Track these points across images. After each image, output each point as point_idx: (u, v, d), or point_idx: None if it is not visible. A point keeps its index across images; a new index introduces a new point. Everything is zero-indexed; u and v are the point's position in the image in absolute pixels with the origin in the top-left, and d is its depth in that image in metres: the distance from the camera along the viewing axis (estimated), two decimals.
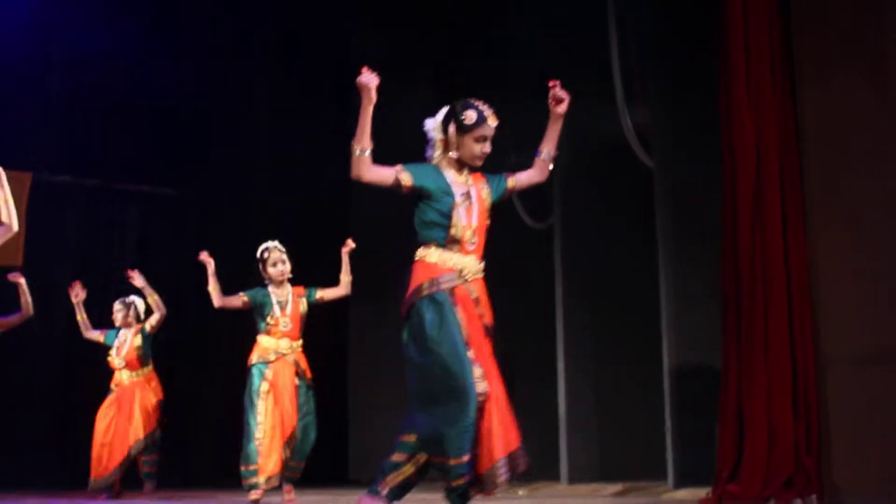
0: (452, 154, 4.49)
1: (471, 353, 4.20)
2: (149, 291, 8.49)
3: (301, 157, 11.73)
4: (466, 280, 4.35)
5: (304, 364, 7.30)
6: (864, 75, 6.11)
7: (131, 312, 8.66)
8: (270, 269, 7.30)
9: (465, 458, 4.07)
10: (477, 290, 4.38)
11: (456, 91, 11.15)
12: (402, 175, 4.40)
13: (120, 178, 10.94)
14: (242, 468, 7.04)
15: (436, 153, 4.57)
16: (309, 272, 11.02)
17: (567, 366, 8.86)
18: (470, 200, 4.42)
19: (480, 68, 10.82)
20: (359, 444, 11.65)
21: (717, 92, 6.61)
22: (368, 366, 11.47)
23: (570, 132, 9.41)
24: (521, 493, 8.52)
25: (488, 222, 4.52)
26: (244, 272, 11.37)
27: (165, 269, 11.06)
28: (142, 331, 8.59)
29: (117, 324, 8.64)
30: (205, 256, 7.43)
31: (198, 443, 11.04)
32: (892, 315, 5.88)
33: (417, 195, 4.41)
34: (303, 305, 7.34)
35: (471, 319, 4.30)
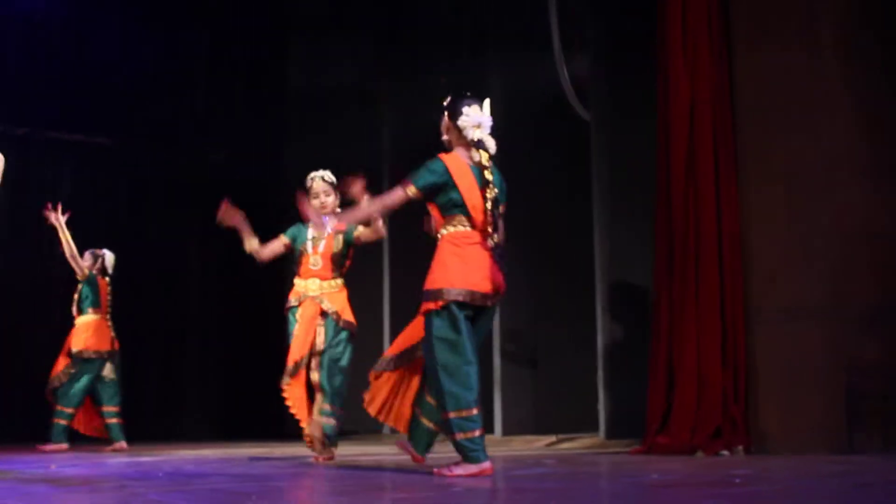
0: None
1: None
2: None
3: (238, 111, 11.62)
4: None
5: (337, 304, 6.32)
6: (797, 38, 6.21)
7: (98, 264, 8.62)
8: (312, 201, 6.31)
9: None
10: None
11: (394, 46, 11.14)
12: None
13: (51, 126, 10.73)
14: None
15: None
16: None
17: (501, 320, 8.90)
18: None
19: (418, 22, 10.75)
20: None
21: (654, 49, 6.65)
22: None
23: (507, 83, 9.48)
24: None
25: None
26: (182, 222, 11.35)
27: (98, 219, 10.94)
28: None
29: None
30: (229, 211, 6.34)
31: (134, 397, 10.98)
32: (820, 269, 6.01)
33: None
34: (337, 244, 6.37)
35: None
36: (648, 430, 6.35)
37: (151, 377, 11.08)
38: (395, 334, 10.35)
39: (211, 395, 11.35)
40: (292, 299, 6.37)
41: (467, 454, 4.52)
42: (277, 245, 6.40)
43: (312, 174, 6.44)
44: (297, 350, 6.18)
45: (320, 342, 6.22)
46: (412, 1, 10.98)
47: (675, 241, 6.40)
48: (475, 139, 4.93)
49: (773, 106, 6.27)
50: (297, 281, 6.41)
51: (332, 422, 6.15)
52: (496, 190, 4.88)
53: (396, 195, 4.77)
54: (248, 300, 11.31)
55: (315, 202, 6.30)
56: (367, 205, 5.06)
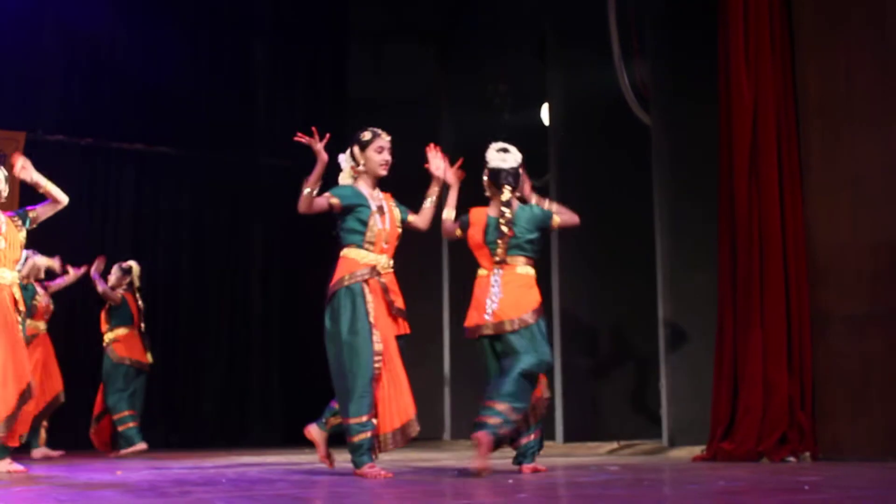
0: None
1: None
2: None
3: (298, 119, 11.71)
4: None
5: (395, 290, 5.30)
6: (864, 40, 6.10)
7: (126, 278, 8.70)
8: (375, 157, 5.31)
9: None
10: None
11: (454, 52, 11.16)
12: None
13: (114, 136, 10.89)
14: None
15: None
16: (307, 235, 11.09)
17: (562, 326, 8.87)
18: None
19: (478, 28, 10.76)
20: None
21: (716, 53, 6.58)
22: None
23: (566, 88, 9.45)
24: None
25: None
26: (243, 230, 11.44)
27: (161, 228, 11.08)
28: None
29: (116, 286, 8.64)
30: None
31: (197, 403, 11.08)
32: (890, 273, 5.88)
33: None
34: (397, 216, 5.40)
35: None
36: (713, 437, 6.28)
37: (215, 383, 11.17)
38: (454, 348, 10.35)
39: (275, 400, 11.42)
40: (349, 275, 5.18)
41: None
42: (322, 202, 5.22)
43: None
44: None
45: None
46: (472, 9, 11.00)
47: (739, 246, 6.33)
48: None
49: (838, 108, 6.17)
50: (360, 252, 5.23)
51: None
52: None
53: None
54: (312, 305, 11.35)
55: (378, 158, 5.31)
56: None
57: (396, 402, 5.05)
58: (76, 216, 10.25)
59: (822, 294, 6.15)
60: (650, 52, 8.13)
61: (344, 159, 5.45)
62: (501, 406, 5.08)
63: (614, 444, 8.09)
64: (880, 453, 5.72)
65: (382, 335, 5.08)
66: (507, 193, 5.41)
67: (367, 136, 5.31)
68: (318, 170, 5.17)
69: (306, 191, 5.14)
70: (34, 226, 6.25)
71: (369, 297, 5.11)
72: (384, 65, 11.42)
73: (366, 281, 5.14)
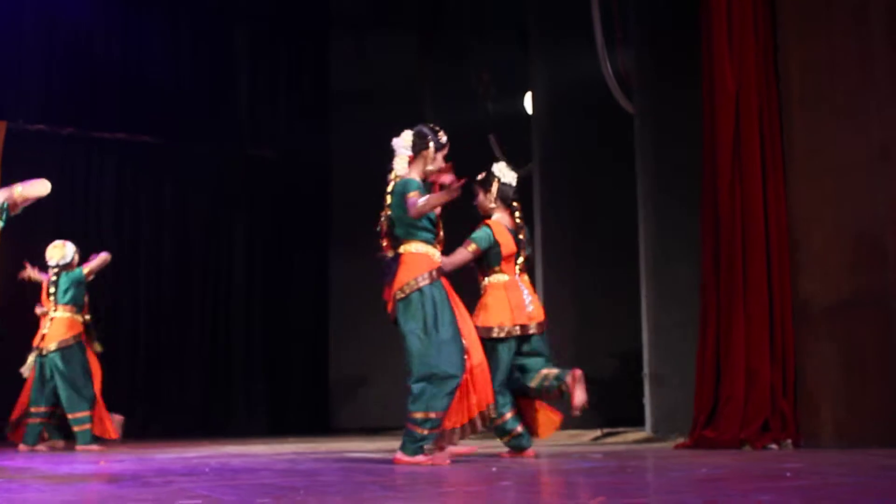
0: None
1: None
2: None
3: (280, 109, 11.67)
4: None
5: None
6: (846, 29, 6.11)
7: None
8: (440, 161, 5.27)
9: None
10: None
11: (437, 42, 11.13)
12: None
13: (95, 126, 10.83)
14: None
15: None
16: (291, 224, 11.06)
17: (546, 315, 8.86)
18: None
19: (460, 18, 10.74)
20: (339, 394, 11.69)
21: (698, 40, 6.59)
22: (350, 313, 11.47)
23: (549, 77, 9.44)
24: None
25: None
26: (226, 219, 11.41)
27: (143, 216, 11.05)
28: None
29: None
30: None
31: (180, 393, 11.07)
32: (871, 263, 5.90)
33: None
34: None
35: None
36: (696, 424, 6.31)
37: (199, 372, 11.16)
38: None
39: (259, 390, 11.42)
40: (431, 272, 5.12)
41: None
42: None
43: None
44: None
45: None
46: None
47: (722, 234, 6.35)
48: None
49: (821, 96, 6.18)
50: (430, 248, 5.20)
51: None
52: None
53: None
54: (293, 295, 11.37)
55: (441, 163, 5.29)
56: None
57: (475, 393, 5.13)
58: (57, 206, 10.24)
59: (804, 283, 6.17)
60: (633, 41, 8.13)
61: (402, 146, 5.25)
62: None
63: (598, 433, 8.11)
64: (861, 441, 5.75)
65: (465, 330, 5.15)
66: (515, 207, 5.80)
67: (444, 139, 5.25)
68: (443, 199, 4.99)
69: (422, 203, 4.99)
70: (17, 211, 5.99)
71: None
72: (367, 55, 11.39)
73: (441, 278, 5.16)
